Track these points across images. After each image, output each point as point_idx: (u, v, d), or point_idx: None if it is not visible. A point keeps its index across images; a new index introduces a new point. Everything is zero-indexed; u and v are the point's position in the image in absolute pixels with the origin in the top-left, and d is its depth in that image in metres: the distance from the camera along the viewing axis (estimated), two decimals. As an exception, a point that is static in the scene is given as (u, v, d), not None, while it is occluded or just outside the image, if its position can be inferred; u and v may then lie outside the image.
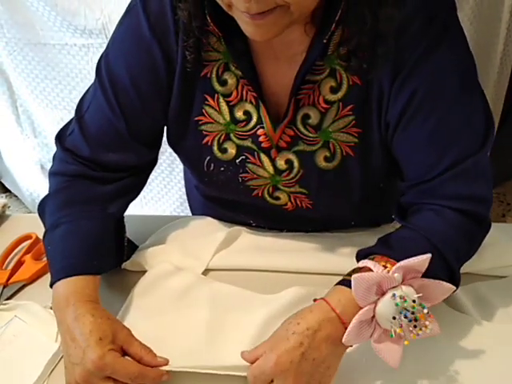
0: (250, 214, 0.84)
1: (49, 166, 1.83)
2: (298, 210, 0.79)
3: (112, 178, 0.77)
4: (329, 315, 0.59)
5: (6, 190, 2.05)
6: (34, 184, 1.85)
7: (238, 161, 0.75)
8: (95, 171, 0.76)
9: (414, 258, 0.59)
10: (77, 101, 1.63)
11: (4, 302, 0.75)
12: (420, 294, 0.59)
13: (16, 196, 2.02)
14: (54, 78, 1.57)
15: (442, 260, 0.65)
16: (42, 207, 0.75)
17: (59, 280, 0.66)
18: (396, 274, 0.58)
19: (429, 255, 0.59)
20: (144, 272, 0.79)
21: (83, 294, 0.66)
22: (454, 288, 0.61)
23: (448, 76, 0.65)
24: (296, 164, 0.73)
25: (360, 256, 0.68)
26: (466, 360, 0.65)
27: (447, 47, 0.64)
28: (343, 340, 0.58)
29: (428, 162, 0.68)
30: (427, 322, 0.58)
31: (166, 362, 0.63)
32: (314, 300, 0.63)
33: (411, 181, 0.71)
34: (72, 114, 1.67)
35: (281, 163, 0.74)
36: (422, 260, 0.59)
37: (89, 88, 0.77)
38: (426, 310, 0.58)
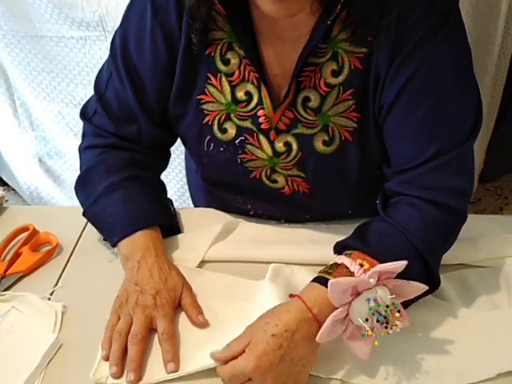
0: (249, 197, 0.84)
1: (47, 159, 1.84)
2: (296, 195, 0.79)
3: (140, 150, 0.81)
4: (306, 315, 0.61)
5: (4, 184, 2.05)
6: (32, 177, 1.85)
7: (237, 141, 0.75)
8: (125, 143, 0.80)
9: (390, 264, 0.60)
10: (74, 94, 1.65)
11: (1, 293, 0.75)
12: (393, 296, 0.61)
13: (14, 189, 2.02)
14: (52, 70, 1.57)
15: (420, 258, 0.66)
16: (84, 180, 0.80)
17: (134, 232, 0.74)
18: (371, 280, 0.60)
19: (405, 262, 0.60)
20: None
21: (158, 245, 0.74)
22: (427, 288, 0.63)
23: (443, 65, 0.66)
24: (295, 147, 0.74)
25: (338, 248, 0.70)
26: (443, 346, 0.67)
27: (445, 36, 0.64)
28: (317, 339, 0.60)
29: (414, 150, 0.69)
30: (398, 322, 0.60)
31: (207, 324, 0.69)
32: (290, 295, 0.65)
33: (395, 167, 0.72)
34: (69, 108, 1.69)
35: (279, 145, 0.75)
36: (399, 266, 0.60)
37: (103, 65, 0.80)
38: (398, 314, 0.60)
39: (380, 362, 0.65)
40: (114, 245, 0.77)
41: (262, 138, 0.75)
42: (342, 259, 0.64)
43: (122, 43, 0.76)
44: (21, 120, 1.74)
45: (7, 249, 0.82)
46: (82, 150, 0.83)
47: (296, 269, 0.77)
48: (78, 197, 0.82)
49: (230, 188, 0.83)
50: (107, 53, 1.56)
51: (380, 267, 0.60)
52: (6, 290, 0.76)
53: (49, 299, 0.75)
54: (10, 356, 0.67)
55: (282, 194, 0.80)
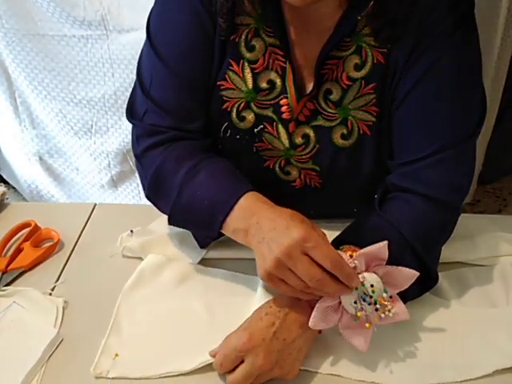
0: (258, 189, 0.83)
1: (47, 157, 1.85)
2: (306, 189, 0.80)
3: (201, 137, 0.76)
4: (299, 301, 0.63)
5: (4, 182, 2.05)
6: (32, 175, 1.85)
7: (256, 130, 0.75)
8: (185, 133, 0.74)
9: (372, 246, 0.61)
10: (75, 92, 1.65)
11: (3, 288, 0.75)
12: (380, 280, 0.61)
13: (14, 188, 2.02)
14: (53, 69, 1.57)
15: (414, 254, 0.67)
16: (159, 177, 0.72)
17: (238, 201, 0.64)
18: (356, 261, 0.61)
19: (385, 242, 0.61)
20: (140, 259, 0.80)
21: (268, 201, 0.65)
22: (418, 274, 0.63)
23: (456, 63, 0.67)
24: (312, 139, 0.74)
25: (333, 242, 0.70)
26: (440, 343, 0.67)
27: (461, 36, 0.66)
28: (309, 324, 0.61)
29: (416, 144, 0.70)
30: (388, 305, 0.61)
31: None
32: None
33: (398, 160, 0.72)
34: (70, 106, 1.69)
35: (298, 138, 0.75)
36: (380, 247, 0.61)
37: (141, 53, 0.76)
38: (385, 294, 0.61)
39: (377, 357, 0.65)
40: (220, 227, 0.66)
41: (280, 128, 0.75)
42: None
43: (158, 30, 0.73)
44: (21, 118, 1.74)
45: (9, 244, 0.83)
46: (139, 154, 0.75)
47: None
48: (156, 206, 0.75)
49: None
50: (108, 52, 1.57)
51: (363, 250, 0.61)
52: (8, 285, 0.77)
53: (50, 294, 0.75)
54: (11, 351, 0.68)
55: (292, 186, 0.80)
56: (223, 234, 0.69)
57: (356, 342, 0.63)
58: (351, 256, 0.63)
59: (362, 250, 0.62)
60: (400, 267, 0.62)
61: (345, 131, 0.73)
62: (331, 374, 0.64)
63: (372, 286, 0.61)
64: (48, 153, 1.78)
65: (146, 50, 0.75)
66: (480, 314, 0.71)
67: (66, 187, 1.84)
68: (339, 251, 0.64)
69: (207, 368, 0.64)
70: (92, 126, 1.66)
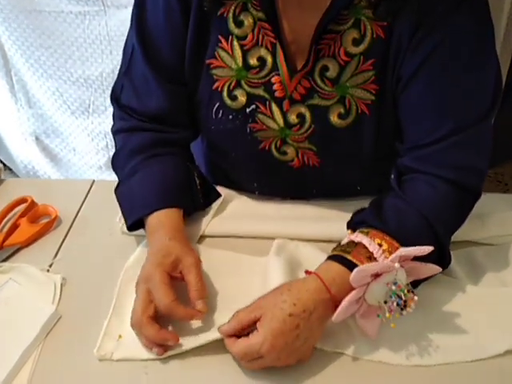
0: (255, 173, 0.82)
1: (44, 137, 1.83)
2: (305, 168, 0.77)
3: (162, 127, 0.78)
4: (324, 296, 0.60)
5: (0, 162, 2.02)
6: (29, 156, 1.82)
7: (248, 110, 0.74)
8: (147, 123, 0.78)
9: (415, 249, 0.59)
10: (72, 71, 1.62)
11: (-1, 265, 0.73)
12: (410, 280, 0.61)
13: (10, 169, 2.00)
14: (50, 46, 1.54)
15: (434, 237, 0.65)
16: (115, 164, 0.80)
17: (148, 215, 0.71)
18: (396, 265, 0.59)
19: (431, 248, 0.59)
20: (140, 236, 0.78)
21: (167, 223, 0.70)
22: (441, 269, 0.62)
23: (465, 40, 0.65)
24: (308, 119, 0.72)
25: (353, 223, 0.68)
26: (451, 322, 0.66)
27: (469, 10, 0.63)
28: (333, 319, 0.59)
29: (429, 125, 0.68)
30: (412, 305, 0.60)
31: (204, 310, 0.63)
32: (306, 272, 0.64)
33: (410, 143, 0.70)
34: (67, 85, 1.67)
35: (292, 117, 0.73)
36: (423, 250, 0.60)
37: (129, 32, 0.77)
38: (416, 298, 0.60)
39: (388, 337, 0.64)
40: (128, 228, 0.75)
41: (274, 107, 0.73)
42: (360, 238, 0.63)
43: (138, 7, 0.73)
44: (18, 97, 1.72)
45: (4, 220, 0.81)
46: (112, 134, 0.82)
47: (301, 245, 0.75)
48: None
49: (236, 161, 0.81)
50: (106, 28, 1.54)
51: (404, 251, 0.59)
52: (4, 261, 0.74)
53: (47, 271, 0.73)
54: (7, 327, 0.66)
55: (290, 167, 0.78)
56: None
57: (369, 330, 0.62)
58: (380, 245, 0.61)
59: (404, 252, 0.59)
60: (427, 264, 0.61)
61: (342, 110, 0.71)
62: (340, 353, 0.63)
63: (408, 291, 0.60)
64: (44, 133, 1.75)
65: (131, 26, 0.75)
66: (490, 293, 0.70)
67: (63, 168, 1.81)
68: (363, 235, 0.63)
69: (215, 349, 0.62)
70: (89, 105, 1.64)
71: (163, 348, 0.61)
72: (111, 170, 1.79)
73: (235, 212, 0.82)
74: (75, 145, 1.74)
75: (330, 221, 0.78)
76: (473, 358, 0.62)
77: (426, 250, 0.60)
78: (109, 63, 1.53)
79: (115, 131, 0.81)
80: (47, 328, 0.65)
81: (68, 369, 0.61)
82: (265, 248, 0.75)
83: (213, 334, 0.62)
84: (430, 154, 0.68)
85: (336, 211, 0.80)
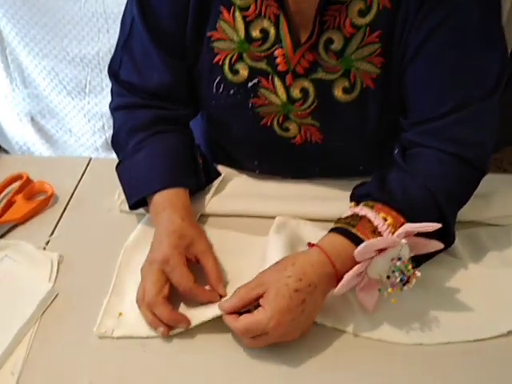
0: (256, 150, 0.81)
1: (39, 118, 1.80)
2: (307, 145, 0.76)
3: (163, 104, 0.76)
4: (328, 270, 0.59)
5: (-5, 144, 2.00)
6: (24, 137, 1.80)
7: (249, 84, 0.72)
8: (147, 100, 0.76)
9: (422, 225, 0.59)
10: (68, 50, 1.60)
11: (-6, 242, 0.72)
12: (411, 254, 0.60)
13: (5, 150, 1.97)
14: (45, 24, 1.51)
15: (439, 212, 0.64)
16: (115, 142, 0.79)
17: (155, 193, 0.70)
18: (403, 240, 0.58)
19: (438, 225, 0.59)
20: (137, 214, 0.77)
21: (176, 202, 0.69)
22: (443, 245, 0.62)
23: (473, 14, 0.63)
24: (311, 93, 0.71)
25: (357, 196, 0.67)
26: (453, 302, 0.65)
27: None
28: (335, 291, 0.59)
29: (435, 100, 0.67)
30: (414, 280, 0.59)
31: (225, 295, 0.63)
32: (309, 244, 0.63)
33: (415, 117, 0.69)
34: (63, 64, 1.64)
35: (295, 92, 0.71)
36: (430, 227, 0.59)
37: (126, 4, 0.75)
38: (418, 274, 0.59)
39: (389, 315, 0.63)
40: (130, 207, 0.73)
41: (277, 81, 0.71)
42: (365, 211, 0.62)
43: None
44: (13, 77, 1.69)
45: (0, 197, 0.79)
46: (111, 111, 0.81)
47: (302, 223, 0.74)
48: None
49: (237, 138, 0.80)
50: (103, 6, 1.51)
51: (411, 228, 0.58)
52: (-1, 238, 0.73)
53: (44, 249, 0.72)
54: (3, 305, 0.65)
55: (292, 143, 0.77)
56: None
57: (367, 303, 0.62)
58: (385, 219, 0.61)
59: (408, 228, 0.59)
60: (431, 240, 0.60)
61: (347, 84, 0.69)
62: (341, 330, 0.62)
63: (413, 267, 0.59)
64: (40, 113, 1.73)
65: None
66: (493, 274, 0.69)
67: (59, 149, 1.79)
68: (368, 209, 0.62)
69: (216, 327, 0.61)
70: (86, 85, 1.61)
71: (169, 328, 0.60)
72: (108, 151, 1.79)
73: (235, 191, 0.81)
74: (71, 126, 1.72)
75: (332, 200, 0.77)
76: (474, 338, 0.61)
77: (433, 226, 0.59)
78: (106, 42, 1.50)
79: (114, 108, 0.79)
80: (44, 305, 0.64)
81: (65, 346, 0.61)
82: (265, 227, 0.74)
83: (213, 312, 0.61)
84: (434, 129, 0.67)
85: (338, 190, 0.79)
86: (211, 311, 0.61)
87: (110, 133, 1.67)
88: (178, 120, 0.78)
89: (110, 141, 1.66)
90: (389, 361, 0.59)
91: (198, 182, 0.76)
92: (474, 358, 0.60)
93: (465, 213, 0.72)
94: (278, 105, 0.73)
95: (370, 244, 0.58)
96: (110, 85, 1.64)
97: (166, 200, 0.69)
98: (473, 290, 0.66)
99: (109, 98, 1.66)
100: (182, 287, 0.62)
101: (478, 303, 0.65)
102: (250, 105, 0.74)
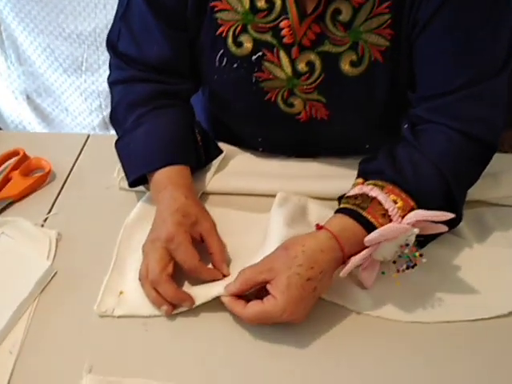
0: (259, 127, 0.79)
1: (35, 96, 1.77)
2: (312, 122, 0.74)
3: (163, 78, 0.74)
4: (337, 255, 0.59)
5: (-10, 122, 1.97)
6: (20, 115, 1.77)
7: (254, 58, 0.70)
8: (147, 73, 0.74)
9: (435, 214, 0.58)
10: (64, 26, 1.56)
11: (-10, 219, 0.70)
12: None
13: (0, 129, 1.95)
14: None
15: (448, 192, 0.63)
16: (114, 118, 0.77)
17: (155, 170, 0.68)
18: (416, 229, 0.57)
19: (451, 215, 0.58)
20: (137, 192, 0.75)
21: (178, 180, 0.68)
22: (447, 229, 0.61)
23: None
24: (318, 67, 0.69)
25: (366, 171, 0.66)
26: (456, 281, 0.65)
27: None
28: (341, 274, 0.59)
29: (445, 75, 0.65)
30: (418, 263, 0.60)
31: (228, 274, 0.62)
32: (317, 226, 0.61)
33: (424, 92, 0.67)
34: (59, 41, 1.60)
35: (301, 65, 0.69)
36: (443, 216, 0.58)
37: None
38: (424, 260, 0.59)
39: (391, 293, 0.62)
40: (130, 184, 0.72)
41: (282, 54, 0.69)
42: (376, 193, 0.61)
43: None
44: (8, 53, 1.66)
45: (-4, 173, 0.77)
46: (109, 84, 0.78)
47: (304, 199, 0.73)
48: None
49: (239, 114, 0.78)
50: (101, -21, 1.45)
51: (421, 216, 0.58)
52: (-5, 215, 0.71)
53: (42, 226, 0.70)
54: (2, 282, 0.63)
55: (296, 120, 0.75)
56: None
57: (366, 280, 0.62)
58: (395, 202, 0.60)
59: (420, 217, 0.58)
60: (438, 225, 0.59)
61: (354, 57, 0.67)
62: (341, 306, 0.61)
63: (421, 255, 0.59)
64: (36, 91, 1.70)
65: None
66: (497, 254, 0.68)
67: (55, 129, 1.77)
68: (379, 190, 0.61)
69: (219, 307, 0.60)
70: (82, 62, 1.58)
71: (172, 307, 0.59)
72: (105, 131, 1.76)
73: (237, 169, 0.79)
74: (67, 104, 1.69)
75: (336, 179, 0.75)
76: (476, 317, 0.61)
77: (446, 216, 0.58)
78: (102, 18, 1.47)
79: (112, 81, 0.77)
80: (42, 283, 0.63)
81: (64, 325, 0.59)
82: (268, 206, 0.72)
83: (216, 291, 0.59)
84: (444, 105, 0.65)
85: (343, 169, 0.77)
86: (215, 290, 0.60)
87: (107, 112, 1.66)
88: (178, 95, 0.76)
89: (107, 120, 1.68)
90: (389, 339, 0.59)
91: (199, 159, 0.75)
92: (475, 337, 0.59)
93: (470, 192, 0.70)
94: (282, 79, 0.71)
95: (382, 233, 0.57)
96: (107, 62, 1.61)
97: (168, 178, 0.68)
98: (476, 270, 0.66)
99: (106, 76, 1.64)
100: (188, 264, 0.60)
101: (480, 283, 0.64)
102: (254, 79, 0.71)
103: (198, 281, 0.62)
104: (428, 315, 0.61)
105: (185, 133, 0.73)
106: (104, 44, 1.44)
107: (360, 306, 0.61)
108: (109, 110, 1.66)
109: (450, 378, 0.55)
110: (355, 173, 0.70)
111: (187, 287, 0.62)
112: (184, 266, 0.61)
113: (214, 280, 0.62)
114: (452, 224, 0.63)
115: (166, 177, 0.68)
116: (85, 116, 1.70)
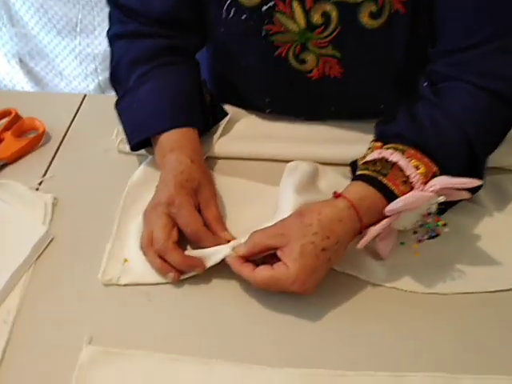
0: (267, 85, 0.74)
1: (28, 59, 1.71)
2: (325, 80, 0.70)
3: (167, 33, 0.70)
4: (355, 225, 0.56)
5: (-18, 87, 1.91)
6: (13, 79, 1.71)
7: (264, 8, 0.65)
8: (149, 26, 0.70)
9: (460, 181, 0.55)
10: (58, -16, 1.48)
11: (-19, 182, 0.66)
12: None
13: (-8, 94, 1.89)
14: (32, -46, 1.40)
15: (471, 154, 0.60)
16: (114, 76, 0.72)
17: (161, 133, 0.64)
18: (441, 198, 0.54)
19: (478, 182, 0.55)
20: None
21: (185, 143, 0.64)
22: (470, 195, 0.58)
23: None
24: (334, 18, 0.64)
25: (385, 135, 0.62)
26: (475, 251, 0.62)
27: None
28: (358, 246, 0.56)
29: (468, 26, 0.61)
30: (441, 233, 0.57)
31: (231, 239, 0.59)
32: (335, 194, 0.58)
33: (446, 46, 0.63)
34: (52, 1, 1.53)
35: (316, 17, 0.64)
36: (469, 183, 0.55)
37: None
38: (447, 229, 0.56)
39: (407, 263, 0.60)
40: (131, 148, 0.68)
41: (295, 4, 0.64)
42: (396, 158, 0.57)
43: None
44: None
45: (-14, 134, 0.73)
46: (109, 39, 0.74)
47: (315, 166, 0.69)
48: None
49: (247, 71, 0.73)
50: None
51: (446, 183, 0.54)
52: (-13, 179, 0.67)
53: (37, 190, 0.67)
54: (-6, 248, 0.60)
55: (308, 78, 0.70)
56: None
57: (383, 251, 0.59)
58: (417, 167, 0.56)
59: (444, 184, 0.54)
60: (461, 191, 0.56)
61: (374, 8, 0.63)
62: (355, 277, 0.59)
63: (444, 224, 0.56)
64: (29, 54, 1.64)
65: None
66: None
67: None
68: (400, 154, 0.57)
69: (225, 277, 0.57)
70: (77, 23, 1.52)
71: (179, 273, 0.56)
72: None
73: (243, 132, 0.75)
74: (62, 68, 1.63)
75: (348, 143, 0.71)
76: (495, 289, 0.58)
77: (472, 183, 0.55)
78: (98, -24, 1.41)
79: (112, 36, 0.73)
80: (38, 249, 0.60)
81: (61, 295, 0.56)
82: (276, 171, 0.68)
83: (220, 254, 0.56)
84: (469, 60, 0.61)
85: (355, 133, 0.73)
86: (221, 253, 0.56)
87: (103, 76, 1.61)
88: (183, 50, 0.71)
89: (103, 84, 1.62)
90: (405, 310, 0.56)
91: (206, 121, 0.71)
92: (494, 309, 0.56)
93: (490, 158, 0.67)
94: (295, 32, 0.66)
95: (405, 202, 0.54)
96: (102, 24, 1.56)
97: (174, 141, 0.64)
98: (496, 240, 0.63)
99: (101, 38, 1.58)
100: (190, 228, 0.57)
101: (499, 253, 0.61)
102: (264, 32, 0.67)
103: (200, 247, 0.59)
104: (446, 287, 0.58)
105: (192, 93, 0.69)
106: (99, 4, 1.37)
107: (373, 276, 0.58)
108: (105, 74, 1.62)
109: (469, 349, 0.53)
110: (368, 137, 0.66)
111: (191, 252, 0.59)
112: (187, 231, 0.57)
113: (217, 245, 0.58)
114: (473, 190, 0.60)
115: (172, 140, 0.64)
116: (80, 80, 1.65)
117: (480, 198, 0.66)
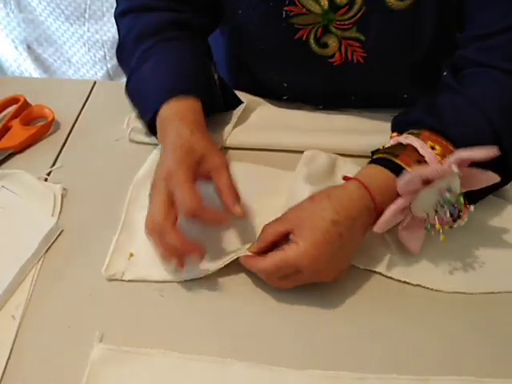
0: (286, 71, 0.71)
1: (36, 46, 1.68)
2: (346, 66, 0.67)
3: (178, 8, 0.68)
4: (368, 204, 0.53)
5: (-11, 74, 1.90)
6: (21, 66, 1.70)
7: None
8: (158, 0, 0.68)
9: (475, 150, 0.50)
10: (67, -32, 1.45)
11: (-12, 171, 0.64)
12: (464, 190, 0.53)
13: (0, 80, 1.87)
14: None
15: (497, 142, 0.55)
16: (121, 55, 0.70)
17: (161, 105, 0.60)
18: (455, 168, 0.50)
19: (495, 151, 0.51)
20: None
21: (187, 115, 0.60)
22: (499, 179, 0.54)
23: None
24: None
25: (401, 124, 0.59)
26: (499, 245, 0.59)
27: None
28: (375, 228, 0.53)
29: (500, 9, 0.57)
30: (466, 217, 0.54)
31: (242, 215, 0.54)
32: (345, 177, 0.55)
33: (475, 30, 0.60)
34: (62, -14, 1.49)
35: None
36: (486, 152, 0.50)
37: None
38: (472, 208, 0.53)
39: (429, 260, 0.57)
40: (148, 127, 0.65)
41: None
42: (410, 140, 0.54)
43: None
44: (7, 0, 1.56)
45: (-7, 122, 0.71)
46: (116, 17, 0.71)
47: (333, 157, 0.66)
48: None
49: (265, 54, 0.70)
50: None
51: (463, 155, 0.50)
52: (-6, 168, 0.66)
53: (45, 180, 0.65)
54: (3, 240, 0.58)
55: (329, 64, 0.67)
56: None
57: (411, 244, 0.56)
58: (433, 148, 0.53)
59: (462, 155, 0.50)
60: (486, 171, 0.52)
61: None
62: (374, 272, 0.56)
63: (456, 190, 0.52)
64: (37, 40, 1.62)
65: None
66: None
67: (58, 80, 1.69)
68: (414, 137, 0.54)
69: (245, 273, 0.55)
70: (85, 9, 1.50)
71: (182, 260, 0.53)
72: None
73: (259, 122, 0.72)
74: (70, 55, 1.61)
75: (368, 134, 0.68)
76: None
77: (488, 151, 0.50)
78: (107, -40, 1.38)
79: (119, 13, 0.70)
80: (47, 242, 0.57)
81: (72, 289, 0.54)
82: (292, 162, 0.66)
83: (235, 253, 0.54)
84: (500, 45, 0.58)
85: (376, 123, 0.70)
86: (231, 253, 0.54)
87: (111, 63, 1.58)
88: (191, 26, 0.68)
89: (112, 72, 1.60)
90: (432, 309, 0.53)
91: (214, 100, 0.67)
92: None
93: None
94: (317, 13, 0.63)
95: (414, 174, 0.50)
96: (111, 10, 1.53)
97: (175, 113, 0.60)
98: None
99: (110, 25, 1.55)
100: (187, 204, 0.51)
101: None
102: (284, 14, 0.63)
103: (211, 243, 0.56)
104: (470, 286, 0.55)
105: (197, 66, 0.65)
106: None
107: (394, 271, 0.56)
108: (114, 61, 1.59)
109: (499, 352, 0.50)
110: (389, 127, 0.63)
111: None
112: (184, 206, 0.51)
113: (224, 242, 0.56)
114: (502, 180, 0.56)
115: (173, 112, 0.60)
116: (88, 68, 1.62)
117: (503, 191, 0.63)
